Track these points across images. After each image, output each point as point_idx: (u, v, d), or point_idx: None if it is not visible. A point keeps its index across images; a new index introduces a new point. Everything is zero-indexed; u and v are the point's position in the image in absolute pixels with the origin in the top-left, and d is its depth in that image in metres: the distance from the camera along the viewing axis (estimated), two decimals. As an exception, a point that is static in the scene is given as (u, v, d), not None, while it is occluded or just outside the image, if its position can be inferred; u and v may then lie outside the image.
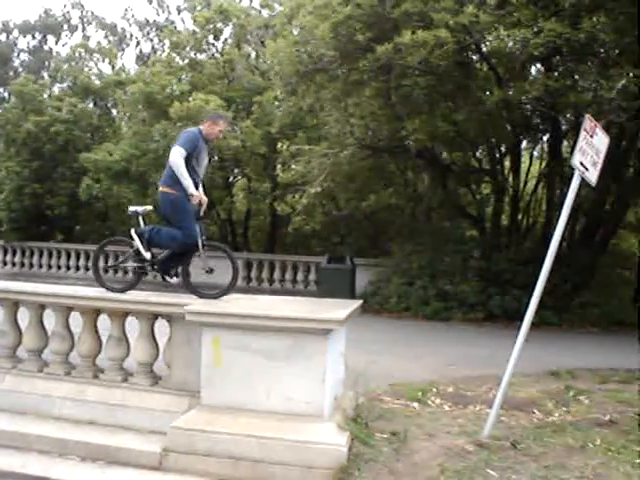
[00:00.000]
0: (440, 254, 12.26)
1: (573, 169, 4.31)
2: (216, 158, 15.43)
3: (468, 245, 12.68)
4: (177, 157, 4.50)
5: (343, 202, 14.98)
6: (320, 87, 11.89)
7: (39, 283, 6.07)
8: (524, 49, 9.08)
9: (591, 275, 11.97)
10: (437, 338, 9.64)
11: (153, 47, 26.18)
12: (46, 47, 28.55)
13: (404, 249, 12.85)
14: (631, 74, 8.88)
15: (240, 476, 3.71)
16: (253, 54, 18.32)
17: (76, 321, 4.80)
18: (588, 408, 5.12)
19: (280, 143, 16.30)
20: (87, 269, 15.98)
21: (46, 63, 26.79)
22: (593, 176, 4.41)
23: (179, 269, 4.92)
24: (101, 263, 7.84)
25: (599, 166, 4.45)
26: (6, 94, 25.47)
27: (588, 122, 4.31)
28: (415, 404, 5.13)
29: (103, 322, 4.79)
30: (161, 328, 4.63)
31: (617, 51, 9.78)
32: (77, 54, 22.30)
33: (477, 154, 14.15)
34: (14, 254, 17.53)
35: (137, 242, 4.74)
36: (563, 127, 12.41)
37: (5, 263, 17.58)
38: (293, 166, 14.36)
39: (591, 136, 4.32)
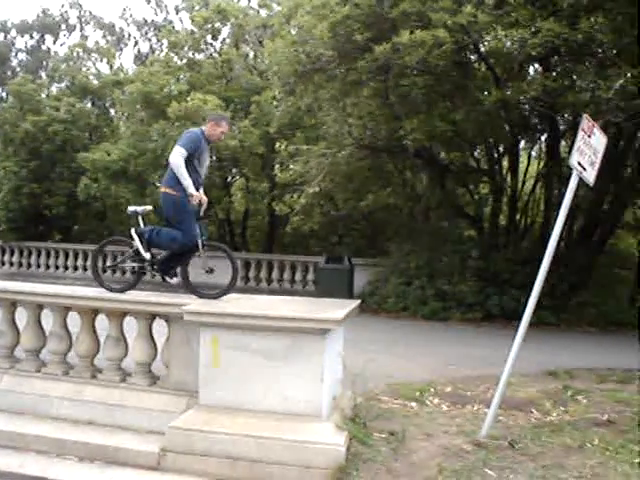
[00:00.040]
0: (438, 254, 12.25)
1: (571, 169, 4.31)
2: (214, 158, 15.41)
3: (466, 245, 12.67)
4: (177, 157, 4.49)
5: (341, 202, 14.96)
6: (318, 87, 11.89)
7: (37, 283, 6.06)
8: (522, 49, 9.07)
9: (589, 275, 11.99)
10: (435, 338, 9.64)
11: (151, 47, 26.12)
12: (44, 47, 28.44)
13: (402, 249, 12.84)
14: (629, 74, 8.89)
15: (238, 476, 3.71)
16: (251, 54, 18.33)
17: (74, 321, 4.79)
18: (586, 408, 5.13)
19: (278, 143, 16.27)
20: (85, 269, 15.99)
21: (44, 63, 26.70)
22: (591, 176, 4.42)
23: (178, 269, 4.92)
24: (100, 263, 7.84)
25: (597, 166, 4.46)
26: (4, 94, 25.41)
27: (586, 122, 4.32)
28: (413, 404, 5.14)
29: (101, 322, 4.79)
30: (159, 328, 4.64)
31: (615, 51, 9.77)
32: (75, 54, 22.26)
33: (475, 154, 14.14)
34: (12, 254, 17.50)
35: (137, 242, 4.73)
36: (561, 127, 12.42)
37: (3, 263, 17.54)
38: (291, 166, 14.35)
39: (589, 136, 4.33)
